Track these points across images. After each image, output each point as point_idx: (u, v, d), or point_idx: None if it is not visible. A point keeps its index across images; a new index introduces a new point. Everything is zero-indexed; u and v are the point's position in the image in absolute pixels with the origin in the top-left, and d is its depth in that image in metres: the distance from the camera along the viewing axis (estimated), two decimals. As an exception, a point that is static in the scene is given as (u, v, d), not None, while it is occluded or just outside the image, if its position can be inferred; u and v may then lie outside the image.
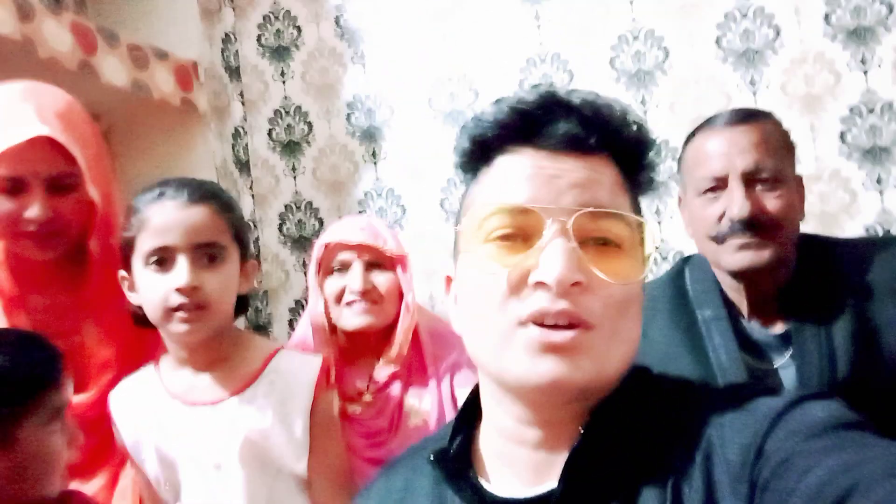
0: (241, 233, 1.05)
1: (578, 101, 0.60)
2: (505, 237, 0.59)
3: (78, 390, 1.07)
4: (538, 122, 0.60)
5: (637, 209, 0.63)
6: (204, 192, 1.01)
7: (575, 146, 0.59)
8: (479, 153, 0.63)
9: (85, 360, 1.14)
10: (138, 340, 1.15)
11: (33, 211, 1.07)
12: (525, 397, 0.59)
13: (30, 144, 1.05)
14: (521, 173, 0.59)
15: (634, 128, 0.62)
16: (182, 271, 0.96)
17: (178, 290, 0.96)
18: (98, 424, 1.11)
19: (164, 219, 0.97)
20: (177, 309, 0.97)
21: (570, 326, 0.56)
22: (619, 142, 0.61)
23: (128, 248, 1.00)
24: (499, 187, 0.60)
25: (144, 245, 0.98)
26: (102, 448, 1.13)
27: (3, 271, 1.16)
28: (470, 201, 0.64)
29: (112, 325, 1.15)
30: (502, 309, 0.57)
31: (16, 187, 1.07)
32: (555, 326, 0.56)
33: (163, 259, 0.97)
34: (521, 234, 0.58)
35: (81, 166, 1.08)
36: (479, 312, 0.60)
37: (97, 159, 1.13)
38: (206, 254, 0.99)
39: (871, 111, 1.74)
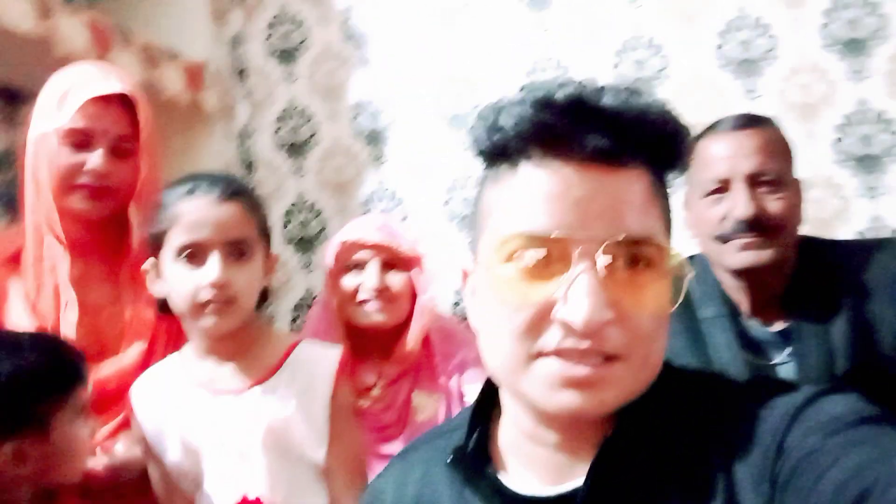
0: (266, 227, 1.08)
1: (610, 108, 0.55)
2: (527, 261, 0.55)
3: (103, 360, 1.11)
4: (565, 134, 0.55)
5: (667, 217, 0.60)
6: (235, 189, 1.03)
7: (605, 160, 0.55)
8: (501, 156, 0.59)
9: (118, 329, 1.16)
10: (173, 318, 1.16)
11: (95, 160, 1.11)
12: (543, 414, 0.58)
13: (104, 101, 1.12)
14: (545, 193, 0.55)
15: (669, 130, 0.57)
16: (214, 267, 0.98)
17: (209, 285, 0.98)
18: (121, 398, 1.10)
19: (196, 215, 0.99)
20: (206, 303, 0.99)
21: (594, 358, 0.53)
22: (652, 150, 0.57)
23: (157, 240, 1.02)
24: (521, 206, 0.56)
25: (176, 240, 1.00)
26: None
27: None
28: (489, 205, 0.60)
29: (150, 297, 1.15)
30: (522, 339, 0.55)
31: (83, 142, 1.12)
32: (578, 359, 0.53)
33: (193, 254, 1.00)
34: (545, 258, 0.55)
35: (144, 132, 1.14)
36: (497, 339, 0.57)
37: (154, 131, 1.19)
38: (235, 249, 1.01)
39: (863, 121, 1.79)
